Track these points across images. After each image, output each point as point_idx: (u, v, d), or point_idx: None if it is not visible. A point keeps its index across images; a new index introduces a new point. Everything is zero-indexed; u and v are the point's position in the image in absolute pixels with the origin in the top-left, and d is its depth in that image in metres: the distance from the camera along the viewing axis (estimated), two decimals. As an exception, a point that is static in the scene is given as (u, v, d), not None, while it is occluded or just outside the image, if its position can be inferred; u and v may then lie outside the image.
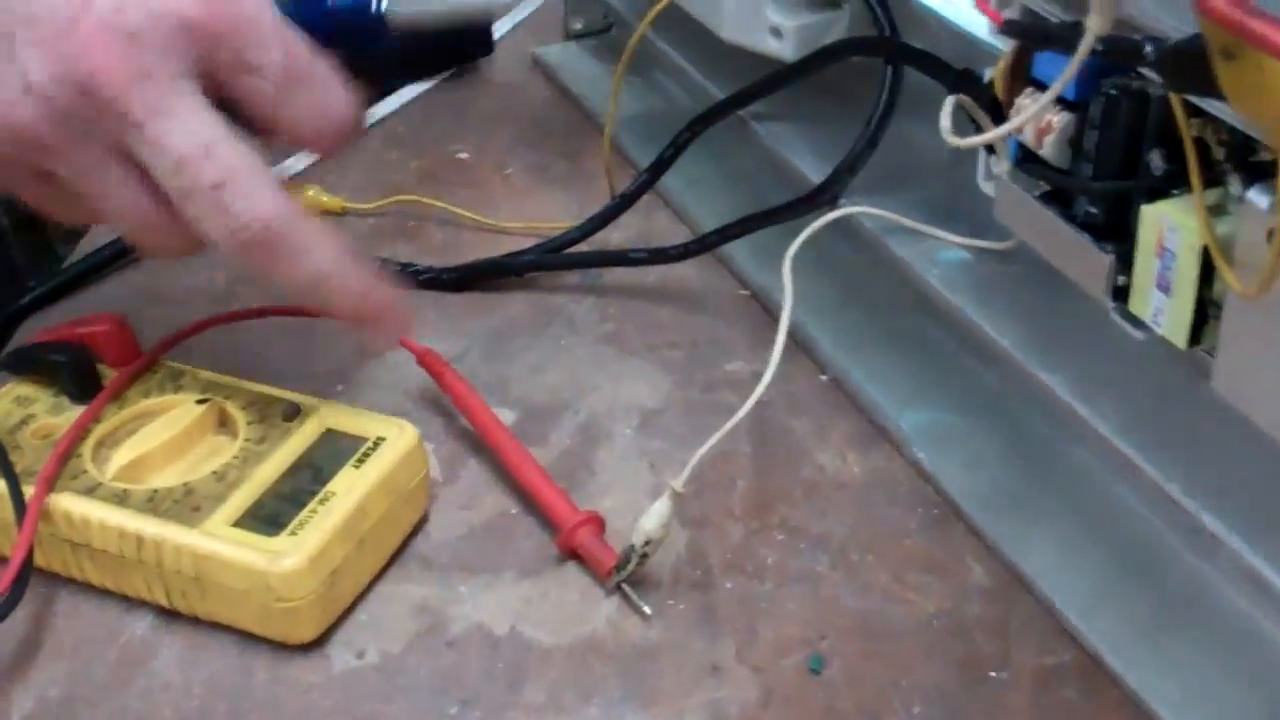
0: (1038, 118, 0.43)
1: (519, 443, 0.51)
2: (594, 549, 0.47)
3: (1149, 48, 0.36)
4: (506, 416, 0.54)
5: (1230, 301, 0.38)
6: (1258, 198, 0.36)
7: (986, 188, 0.48)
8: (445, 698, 0.44)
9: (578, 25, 0.82)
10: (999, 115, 0.46)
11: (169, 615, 0.47)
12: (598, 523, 0.48)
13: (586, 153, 0.73)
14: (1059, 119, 0.43)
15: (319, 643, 0.45)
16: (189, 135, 0.42)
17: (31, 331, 0.57)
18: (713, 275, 0.62)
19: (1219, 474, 0.41)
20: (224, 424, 0.51)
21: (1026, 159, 0.45)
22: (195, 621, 0.46)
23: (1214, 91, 0.33)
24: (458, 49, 0.81)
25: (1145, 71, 0.39)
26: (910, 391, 0.54)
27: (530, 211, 0.68)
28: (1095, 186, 0.42)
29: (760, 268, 0.60)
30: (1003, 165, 0.46)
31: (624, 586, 0.47)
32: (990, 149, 0.48)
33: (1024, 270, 0.48)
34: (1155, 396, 0.44)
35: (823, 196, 0.57)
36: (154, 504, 0.46)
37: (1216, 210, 0.39)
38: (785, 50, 0.59)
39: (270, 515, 0.46)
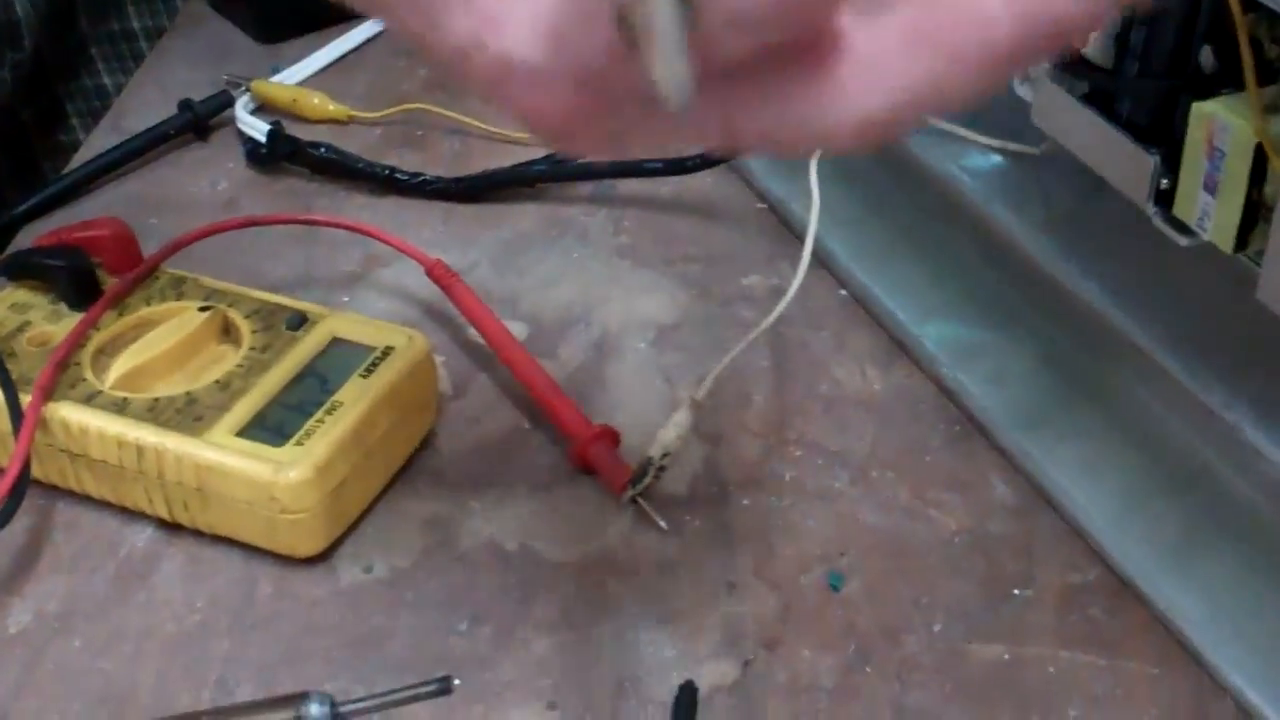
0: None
1: (531, 356, 0.50)
2: (608, 462, 0.46)
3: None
4: (518, 330, 0.53)
5: (1281, 204, 0.36)
6: (1313, 94, 0.34)
7: (1023, 91, 0.46)
8: (454, 613, 0.43)
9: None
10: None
11: (170, 528, 0.45)
12: (612, 436, 0.47)
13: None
14: (1102, 16, 0.41)
15: (325, 556, 0.44)
16: None
17: (29, 238, 0.56)
18: (730, 187, 0.61)
19: (1263, 386, 0.40)
20: (227, 332, 0.49)
21: (1068, 59, 0.43)
22: (197, 534, 0.45)
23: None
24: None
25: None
26: (933, 305, 0.52)
27: (541, 122, 0.66)
28: (1142, 85, 0.40)
29: (779, 179, 0.59)
30: (1041, 66, 0.44)
31: (639, 500, 0.45)
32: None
33: (1058, 176, 0.46)
34: (1196, 306, 0.43)
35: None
36: (155, 413, 0.45)
37: (1270, 109, 0.37)
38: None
39: (275, 425, 0.45)
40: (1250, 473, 0.40)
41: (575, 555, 0.44)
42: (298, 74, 0.70)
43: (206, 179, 0.63)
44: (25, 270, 0.51)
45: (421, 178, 0.61)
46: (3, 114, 0.69)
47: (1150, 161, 0.40)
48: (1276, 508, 0.40)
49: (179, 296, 0.50)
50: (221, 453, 0.44)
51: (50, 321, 0.49)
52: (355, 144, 0.63)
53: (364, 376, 0.46)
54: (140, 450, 0.44)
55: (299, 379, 0.46)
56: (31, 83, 0.70)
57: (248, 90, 0.66)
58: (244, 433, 0.44)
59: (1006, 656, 0.41)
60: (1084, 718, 0.39)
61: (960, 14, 0.26)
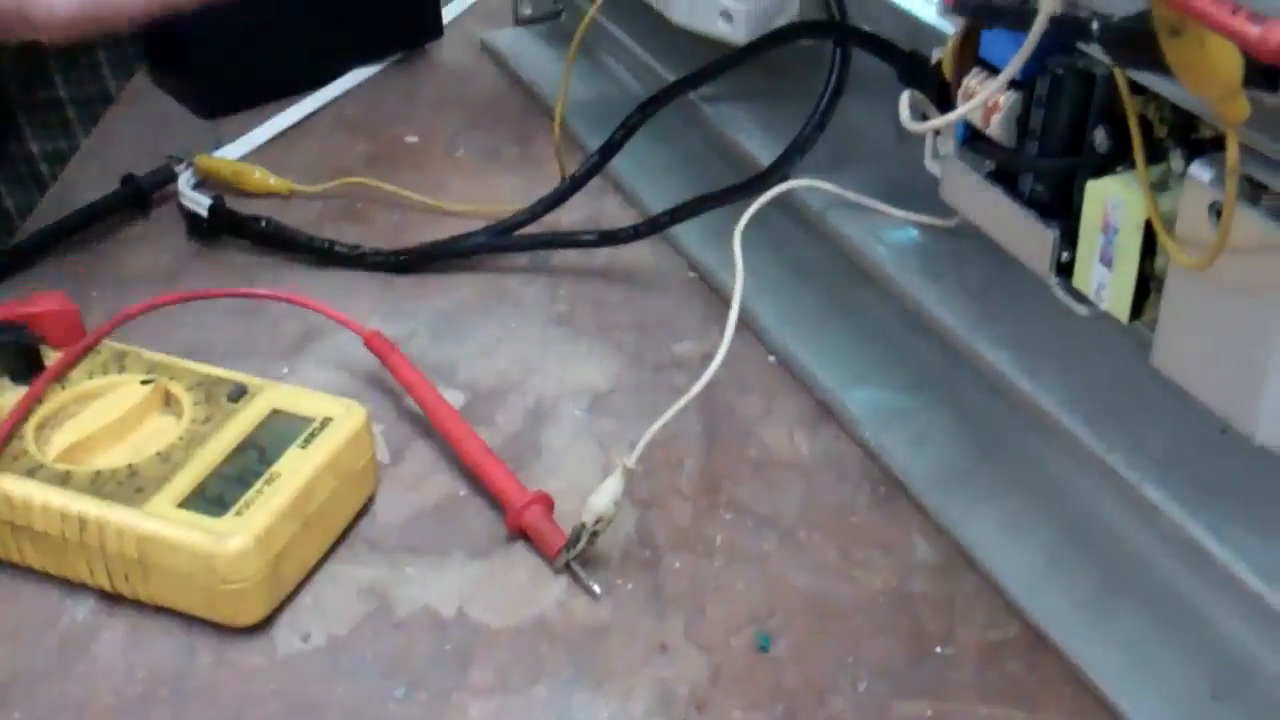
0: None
1: (467, 424, 0.51)
2: (543, 528, 0.47)
3: (1096, 25, 0.37)
4: (455, 398, 0.54)
5: (1170, 276, 0.38)
6: (1200, 172, 0.37)
7: (933, 167, 0.48)
8: (391, 680, 0.43)
9: (527, 11, 0.81)
10: (945, 98, 0.46)
11: (111, 599, 0.46)
12: (546, 502, 0.48)
13: (536, 137, 0.72)
14: (1006, 98, 0.43)
15: (264, 625, 0.45)
16: None
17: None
18: (663, 257, 0.62)
19: (1161, 446, 0.42)
20: (169, 405, 0.50)
21: (973, 138, 0.45)
22: (138, 605, 0.46)
23: (1159, 67, 0.34)
24: (406, 33, 0.81)
25: (1089, 50, 0.40)
26: (857, 369, 0.54)
27: (480, 194, 0.67)
28: (1042, 164, 0.43)
29: (709, 248, 0.61)
30: (949, 145, 0.46)
31: (573, 565, 0.46)
32: (938, 130, 0.48)
33: (969, 247, 0.48)
34: (1098, 371, 0.45)
35: (771, 178, 0.57)
36: (97, 485, 0.46)
37: (1159, 186, 0.39)
38: (736, 33, 0.59)
39: (215, 496, 0.45)
40: (1152, 529, 0.42)
41: (511, 620, 0.45)
42: (240, 148, 0.71)
43: (149, 252, 0.64)
44: (-31, 344, 0.52)
45: (361, 250, 0.63)
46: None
47: (1050, 236, 0.42)
48: (1177, 563, 0.42)
49: (121, 370, 0.51)
50: (162, 524, 0.44)
51: (-7, 396, 0.50)
52: (296, 217, 0.65)
53: (303, 447, 0.47)
54: (83, 522, 0.45)
55: (239, 450, 0.47)
56: None
57: (190, 165, 0.68)
58: (185, 504, 0.45)
59: (929, 713, 0.42)
60: (1002, 770, 0.41)
61: None
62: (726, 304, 0.49)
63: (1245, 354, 0.36)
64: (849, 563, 0.47)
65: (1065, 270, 0.42)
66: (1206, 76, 0.32)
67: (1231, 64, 0.31)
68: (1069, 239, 0.42)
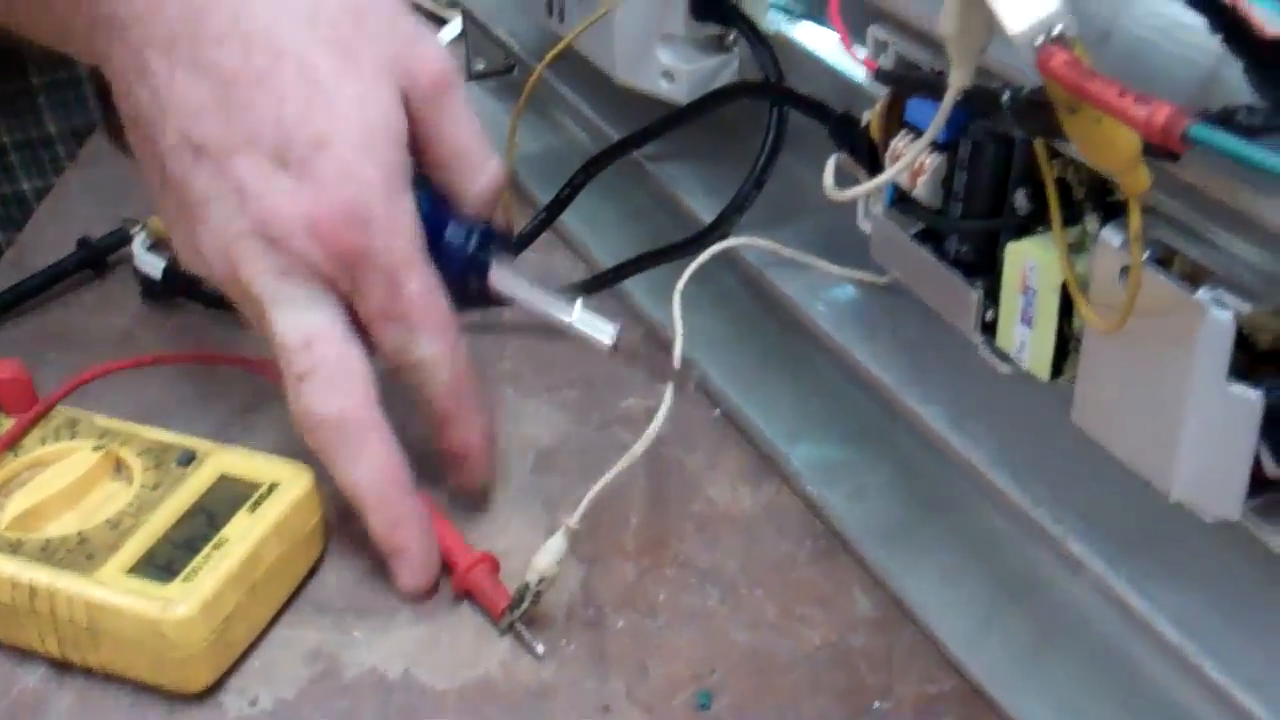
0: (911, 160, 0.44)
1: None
2: (488, 589, 0.48)
3: (1006, 96, 0.38)
4: (404, 457, 0.55)
5: (1087, 337, 0.39)
6: (1111, 236, 0.38)
7: (864, 226, 0.49)
8: (339, 742, 0.44)
9: (480, 66, 0.82)
10: (876, 158, 0.47)
11: (61, 667, 0.46)
12: (492, 563, 0.49)
13: (488, 192, 0.73)
14: (930, 161, 0.44)
15: (212, 691, 0.46)
16: (293, 327, 0.47)
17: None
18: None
19: (1084, 500, 0.43)
20: (120, 470, 0.51)
21: (901, 199, 0.46)
22: (88, 673, 0.46)
23: (1063, 136, 0.35)
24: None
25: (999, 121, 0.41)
26: (799, 424, 0.55)
27: (431, 252, 0.68)
28: (964, 225, 0.44)
29: (654, 305, 0.61)
30: (878, 206, 0.47)
31: (517, 626, 0.47)
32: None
33: (903, 304, 0.49)
34: (1023, 426, 0.46)
35: (713, 235, 0.58)
36: (48, 553, 0.46)
37: (1077, 247, 0.40)
38: (677, 93, 0.60)
39: (164, 562, 0.46)
40: (1079, 582, 0.43)
41: (456, 682, 0.46)
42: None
43: (103, 315, 0.64)
44: (-79, 413, 0.52)
45: (313, 309, 0.63)
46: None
47: (975, 296, 0.43)
48: (1103, 614, 0.43)
49: (73, 436, 0.52)
50: (111, 591, 0.45)
51: (-56, 465, 0.50)
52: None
53: (250, 511, 0.48)
54: (33, 591, 0.45)
55: (188, 516, 0.48)
56: None
57: (144, 227, 0.68)
58: (134, 571, 0.46)
59: (868, 766, 0.43)
60: (938, 822, 0.41)
61: None
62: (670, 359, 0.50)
63: (1159, 413, 0.37)
64: (789, 618, 0.48)
65: (990, 329, 0.43)
66: (1105, 151, 0.33)
67: (1127, 139, 0.32)
68: (993, 298, 0.43)
